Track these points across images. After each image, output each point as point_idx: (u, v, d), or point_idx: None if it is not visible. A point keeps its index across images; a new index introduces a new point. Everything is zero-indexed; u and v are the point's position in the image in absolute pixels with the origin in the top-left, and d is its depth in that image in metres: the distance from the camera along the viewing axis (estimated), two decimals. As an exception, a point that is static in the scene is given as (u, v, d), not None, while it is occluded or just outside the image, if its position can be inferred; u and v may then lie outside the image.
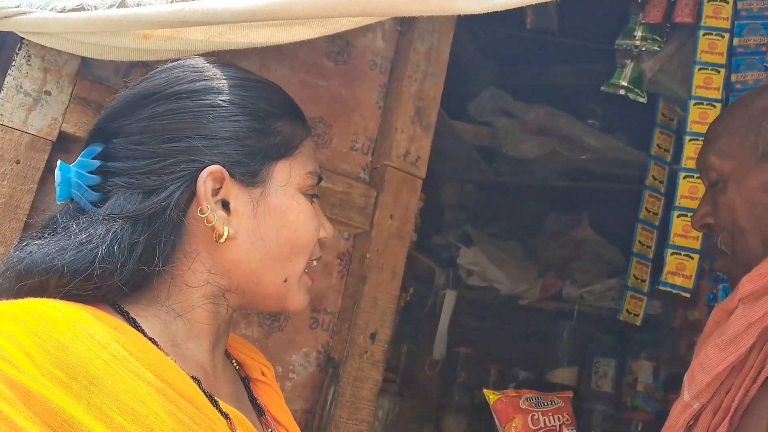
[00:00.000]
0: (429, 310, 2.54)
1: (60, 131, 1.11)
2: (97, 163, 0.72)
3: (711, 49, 1.68)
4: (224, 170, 0.71)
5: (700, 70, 1.68)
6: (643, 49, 1.93)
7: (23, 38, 1.08)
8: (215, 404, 0.66)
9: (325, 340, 1.36)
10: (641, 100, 1.92)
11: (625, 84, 1.93)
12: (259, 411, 0.79)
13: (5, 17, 1.04)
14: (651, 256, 1.95)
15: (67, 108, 1.11)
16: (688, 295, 1.61)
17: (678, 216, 1.61)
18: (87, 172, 0.72)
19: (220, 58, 1.22)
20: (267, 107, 0.76)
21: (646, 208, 1.96)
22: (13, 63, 1.08)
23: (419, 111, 1.46)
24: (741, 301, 0.92)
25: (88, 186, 0.71)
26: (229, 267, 0.73)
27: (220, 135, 0.72)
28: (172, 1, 0.97)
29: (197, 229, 0.71)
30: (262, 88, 0.77)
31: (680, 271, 1.58)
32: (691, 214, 1.63)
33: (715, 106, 1.65)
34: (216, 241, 0.71)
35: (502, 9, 0.73)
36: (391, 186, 1.40)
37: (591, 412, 2.40)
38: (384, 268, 1.37)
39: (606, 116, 2.44)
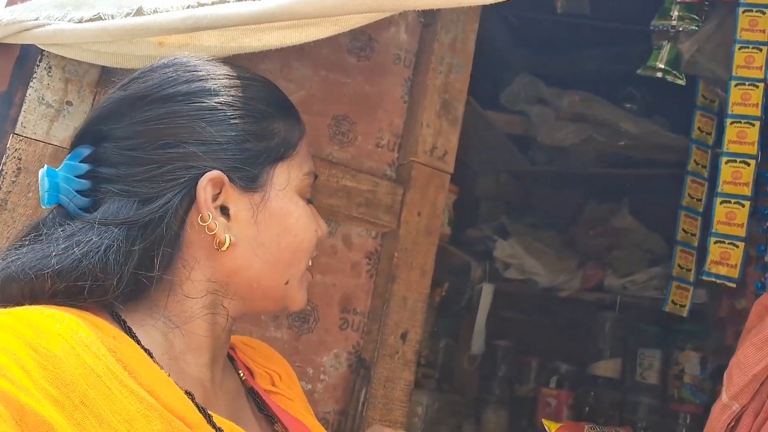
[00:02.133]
0: (466, 305, 2.50)
1: (83, 141, 1.11)
2: (86, 167, 0.69)
3: (752, 26, 1.60)
4: (224, 175, 0.69)
5: (740, 48, 1.60)
6: (680, 29, 1.85)
7: (43, 50, 1.09)
8: (208, 419, 0.64)
9: (355, 341, 1.35)
10: (680, 82, 1.84)
11: (662, 66, 1.85)
12: (270, 419, 0.77)
13: (24, 30, 1.05)
14: (696, 244, 1.87)
15: (89, 117, 1.12)
16: (733, 285, 1.54)
17: (721, 203, 1.54)
18: (75, 176, 0.69)
19: (240, 61, 1.21)
20: (263, 108, 0.73)
21: (689, 195, 1.89)
22: (35, 75, 1.09)
23: (445, 104, 1.43)
24: None
25: (77, 191, 0.69)
26: (228, 274, 0.71)
27: (217, 139, 0.69)
28: (187, 6, 0.96)
29: (196, 236, 0.69)
30: (257, 87, 0.75)
31: (725, 260, 1.51)
32: (735, 200, 1.57)
33: (757, 86, 1.57)
34: (217, 249, 0.69)
35: (513, -1, 0.69)
36: (418, 182, 1.37)
37: (636, 405, 2.34)
38: (413, 267, 1.35)
39: (643, 100, 2.35)
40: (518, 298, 2.61)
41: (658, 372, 2.33)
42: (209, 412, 0.65)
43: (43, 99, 1.09)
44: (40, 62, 1.09)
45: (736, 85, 1.59)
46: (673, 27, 1.85)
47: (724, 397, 0.88)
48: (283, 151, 0.73)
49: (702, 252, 1.85)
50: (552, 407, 2.49)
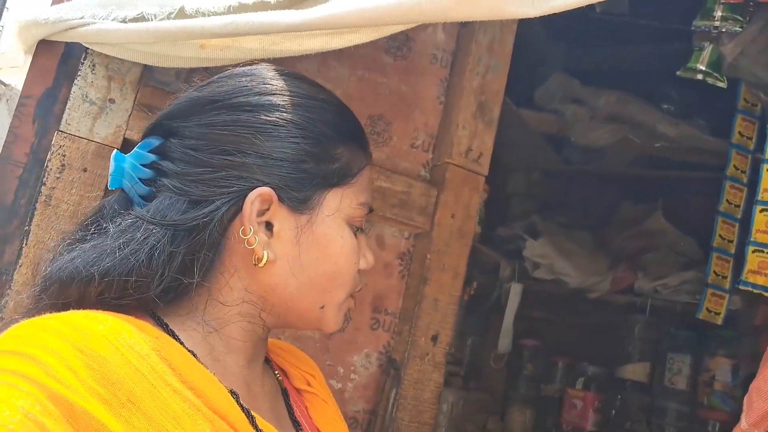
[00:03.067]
0: (494, 303, 2.49)
1: (124, 138, 1.13)
2: (152, 157, 0.72)
3: (800, 30, 1.55)
4: (273, 193, 0.69)
5: (787, 53, 1.56)
6: (723, 30, 1.81)
7: (88, 48, 1.11)
8: (252, 420, 0.65)
9: (386, 341, 1.36)
10: (721, 85, 1.81)
11: (703, 68, 1.81)
12: (296, 425, 0.77)
13: (69, 29, 1.06)
14: (733, 251, 1.84)
15: (130, 115, 1.14)
16: (771, 296, 1.51)
17: (761, 211, 1.51)
18: (141, 165, 0.71)
19: (279, 62, 1.22)
20: (329, 131, 0.73)
21: (727, 200, 1.85)
22: (79, 72, 1.11)
23: (481, 106, 1.42)
24: None
25: (140, 178, 0.71)
26: (265, 289, 0.71)
27: (275, 155, 0.69)
28: (229, 7, 0.97)
29: (238, 246, 0.70)
30: (327, 109, 0.75)
31: (762, 270, 1.48)
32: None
33: (803, 92, 1.53)
34: (255, 264, 0.70)
35: (559, 11, 0.68)
36: (453, 184, 1.37)
37: (664, 410, 2.31)
38: (446, 269, 1.35)
39: (682, 101, 2.31)
40: (547, 298, 2.59)
41: (688, 378, 2.30)
42: (253, 414, 0.66)
43: (86, 96, 1.11)
44: (84, 60, 1.11)
45: (781, 91, 1.55)
46: (716, 28, 1.81)
47: (743, 423, 0.86)
48: (340, 178, 0.73)
49: (739, 259, 1.82)
50: (578, 409, 2.47)
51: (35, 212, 1.06)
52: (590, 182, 2.73)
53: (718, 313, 1.85)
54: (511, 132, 2.36)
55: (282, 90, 0.72)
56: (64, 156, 1.08)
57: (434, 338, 1.32)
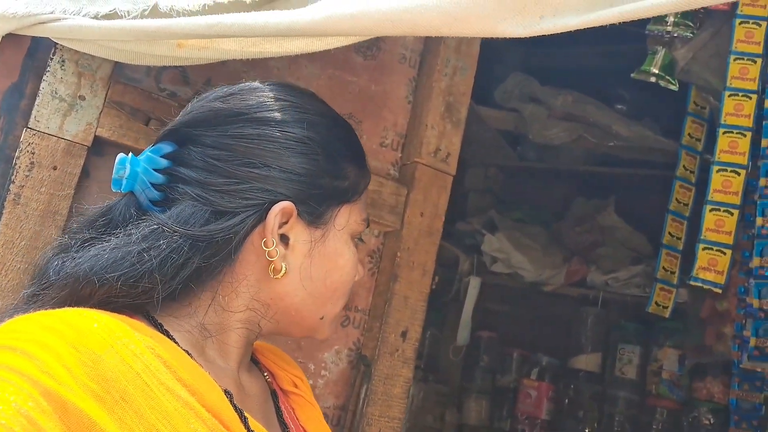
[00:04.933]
0: (453, 297, 2.54)
1: (95, 136, 1.11)
2: (166, 162, 0.72)
3: (747, 38, 1.64)
4: (294, 207, 0.71)
5: (735, 60, 1.65)
6: (675, 35, 1.89)
7: (57, 43, 1.08)
8: (244, 421, 0.66)
9: (356, 338, 1.37)
10: (672, 87, 1.89)
11: (656, 71, 1.89)
12: (284, 427, 0.79)
13: (38, 23, 1.04)
14: (681, 247, 1.93)
15: (101, 112, 1.11)
16: (719, 291, 1.59)
17: (710, 210, 1.59)
18: (154, 169, 0.72)
19: (251, 62, 1.21)
20: (343, 149, 0.76)
21: (676, 199, 1.94)
22: (48, 68, 1.08)
23: (449, 106, 1.45)
24: None
25: (151, 183, 0.71)
26: (273, 298, 0.73)
27: (297, 170, 0.72)
28: (204, 6, 0.96)
29: (252, 255, 0.71)
30: (341, 128, 0.78)
31: (712, 267, 1.56)
32: (724, 208, 1.62)
33: (750, 98, 1.62)
34: (271, 276, 0.71)
35: (547, 33, 0.71)
36: (422, 183, 1.39)
37: (615, 399, 2.41)
38: (415, 267, 1.37)
39: (635, 102, 2.40)
40: (504, 291, 2.66)
41: (637, 367, 2.41)
42: (245, 414, 0.67)
43: (56, 93, 1.08)
44: (53, 55, 1.08)
45: (729, 96, 1.63)
46: (668, 32, 1.89)
47: None
48: (351, 195, 0.76)
49: (687, 255, 1.91)
50: (532, 398, 2.55)
51: (3, 211, 1.03)
52: (545, 178, 2.81)
53: (666, 307, 1.94)
54: (469, 129, 2.41)
55: (304, 107, 0.75)
56: (33, 154, 1.05)
57: (404, 334, 1.35)
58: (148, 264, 0.66)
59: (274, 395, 0.82)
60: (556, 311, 2.63)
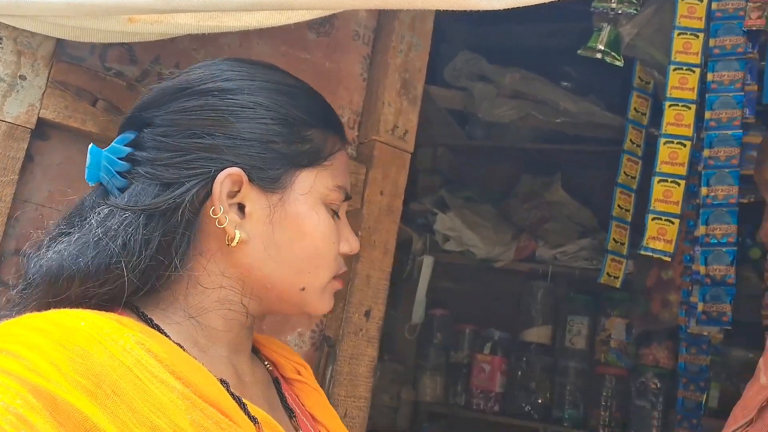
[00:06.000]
0: (407, 276, 2.55)
1: (38, 118, 1.05)
2: (127, 150, 0.72)
3: (690, 13, 1.68)
4: (243, 173, 0.70)
5: (679, 35, 1.69)
6: (620, 12, 1.92)
7: (-7, 19, 1.01)
8: (243, 407, 0.65)
9: (319, 319, 1.36)
10: (618, 63, 1.92)
11: (602, 48, 1.92)
12: (289, 413, 0.78)
13: (-27, -3, 0.97)
14: (630, 219, 1.98)
15: (44, 93, 1.05)
16: (668, 259, 1.65)
17: (659, 182, 1.63)
18: (117, 158, 0.72)
19: (200, 38, 1.17)
20: (298, 114, 0.74)
21: (624, 172, 1.99)
22: (-16, 46, 1.01)
23: (405, 83, 1.43)
24: None
25: (116, 171, 0.71)
26: (241, 271, 0.72)
27: (243, 136, 0.70)
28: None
29: (212, 228, 0.71)
30: (298, 94, 0.76)
31: (661, 236, 1.61)
32: (671, 179, 1.67)
33: (694, 72, 1.66)
34: (228, 244, 0.70)
35: (522, 6, 0.71)
36: (380, 162, 1.38)
37: (566, 369, 2.48)
38: (376, 246, 1.36)
39: (581, 79, 2.44)
40: (456, 269, 2.68)
41: (586, 338, 2.48)
42: (244, 401, 0.65)
43: (-6, 73, 1.01)
44: (-11, 32, 1.01)
45: (674, 70, 1.68)
46: (613, 9, 1.92)
47: (762, 379, 0.93)
48: (312, 159, 0.74)
49: (635, 227, 1.96)
50: (486, 372, 2.60)
51: (-59, 200, 0.96)
52: (493, 157, 2.84)
53: (617, 277, 1.99)
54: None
55: (251, 75, 0.74)
56: (-28, 138, 0.99)
57: (367, 314, 1.34)
58: (111, 247, 0.65)
59: (276, 383, 0.81)
60: (507, 287, 2.68)
